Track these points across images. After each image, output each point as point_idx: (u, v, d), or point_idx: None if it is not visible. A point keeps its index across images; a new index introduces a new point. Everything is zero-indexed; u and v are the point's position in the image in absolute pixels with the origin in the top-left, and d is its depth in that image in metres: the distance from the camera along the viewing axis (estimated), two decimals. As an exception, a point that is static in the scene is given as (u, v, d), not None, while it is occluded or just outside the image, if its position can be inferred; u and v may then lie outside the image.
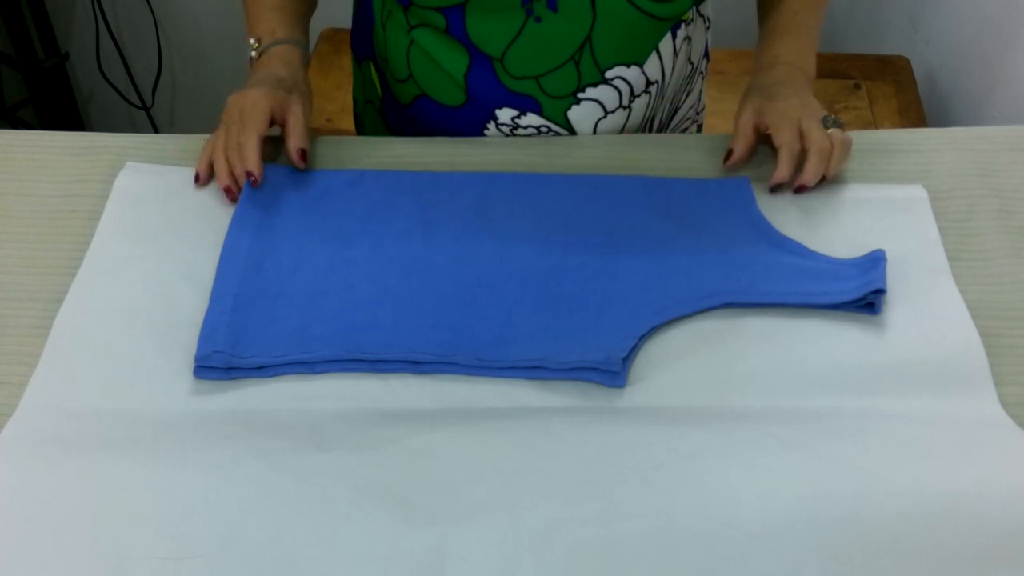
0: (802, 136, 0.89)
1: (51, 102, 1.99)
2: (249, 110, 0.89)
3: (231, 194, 0.90)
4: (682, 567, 0.65)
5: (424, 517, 0.67)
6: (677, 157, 0.96)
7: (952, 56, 1.56)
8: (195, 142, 0.97)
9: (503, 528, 0.67)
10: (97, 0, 1.92)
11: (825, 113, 0.90)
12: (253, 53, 0.95)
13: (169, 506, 0.68)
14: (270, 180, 0.92)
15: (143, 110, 2.11)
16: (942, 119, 1.57)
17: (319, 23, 1.56)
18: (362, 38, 1.07)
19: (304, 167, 0.92)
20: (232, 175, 0.90)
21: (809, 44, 0.97)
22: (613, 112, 0.98)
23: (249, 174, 0.88)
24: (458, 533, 0.67)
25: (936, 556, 0.65)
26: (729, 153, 0.93)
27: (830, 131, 0.90)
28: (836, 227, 0.89)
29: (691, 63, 1.05)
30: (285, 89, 0.92)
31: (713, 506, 0.68)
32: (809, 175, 0.89)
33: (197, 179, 0.91)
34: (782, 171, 0.89)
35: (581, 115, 0.97)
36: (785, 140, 0.89)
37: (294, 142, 0.91)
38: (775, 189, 0.90)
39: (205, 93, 2.15)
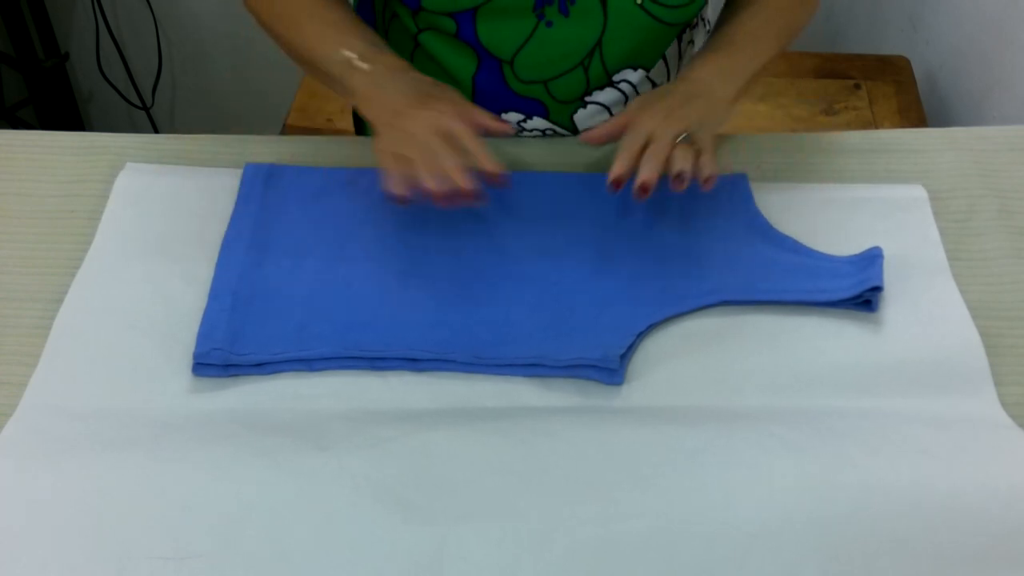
0: (648, 140, 0.83)
1: (51, 102, 1.99)
2: (456, 126, 0.80)
3: (448, 199, 0.78)
4: (682, 567, 0.65)
5: (423, 516, 0.67)
6: (677, 157, 0.96)
7: (952, 56, 1.56)
8: (195, 142, 0.97)
9: (502, 528, 0.67)
10: (97, 0, 1.91)
11: (686, 132, 0.83)
12: (358, 63, 0.84)
13: (169, 506, 0.68)
14: (270, 178, 0.92)
15: (143, 110, 2.11)
16: (942, 119, 1.57)
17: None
18: None
19: (512, 131, 0.85)
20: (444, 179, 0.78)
21: (732, 68, 0.89)
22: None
23: (497, 175, 0.78)
24: (457, 533, 0.67)
25: (936, 556, 0.65)
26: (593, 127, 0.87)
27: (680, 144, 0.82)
28: (836, 226, 0.89)
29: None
30: (445, 90, 0.85)
31: (713, 506, 0.68)
32: (644, 171, 0.80)
33: (402, 200, 0.79)
34: (615, 167, 0.81)
35: (587, 119, 0.97)
36: (626, 142, 0.82)
37: (488, 120, 0.83)
38: (613, 186, 0.81)
39: (205, 93, 2.15)
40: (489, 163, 0.78)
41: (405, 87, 0.83)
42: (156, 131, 2.13)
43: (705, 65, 0.89)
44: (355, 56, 0.84)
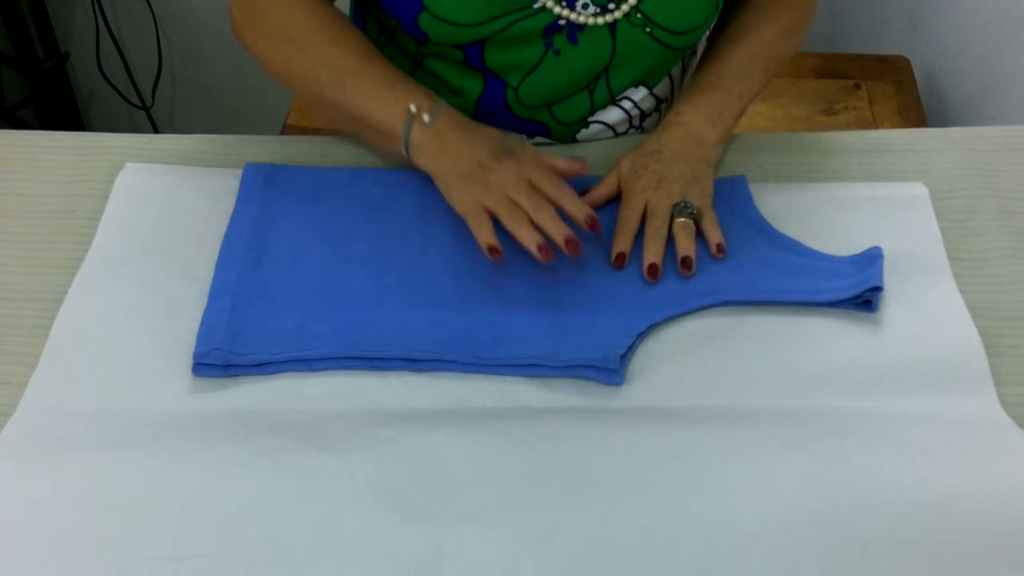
0: (645, 214, 0.85)
1: (51, 102, 1.99)
2: (543, 176, 0.81)
3: (548, 252, 0.79)
4: (682, 567, 0.65)
5: (423, 516, 0.67)
6: (677, 157, 0.96)
7: (952, 56, 1.56)
8: (195, 142, 0.97)
9: (502, 528, 0.67)
10: (97, 0, 1.91)
11: (681, 199, 0.85)
12: (425, 116, 0.83)
13: (169, 506, 0.68)
14: (270, 179, 0.92)
15: (143, 110, 2.11)
16: (942, 119, 1.57)
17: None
18: None
19: (586, 166, 0.85)
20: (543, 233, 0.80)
21: (721, 109, 0.91)
22: (624, 134, 0.98)
23: (593, 222, 0.80)
24: (457, 533, 0.67)
25: (936, 556, 0.65)
26: (588, 191, 0.89)
27: (678, 220, 0.84)
28: (836, 225, 0.89)
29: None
30: (520, 140, 0.85)
31: (713, 506, 0.68)
32: (650, 253, 0.83)
33: (496, 251, 0.79)
34: (617, 243, 0.84)
35: (589, 137, 0.98)
36: (624, 215, 0.85)
37: (563, 163, 0.84)
38: (616, 263, 0.84)
39: (205, 93, 2.15)
40: (579, 211, 0.80)
41: (476, 141, 0.83)
42: (156, 131, 2.13)
43: (695, 106, 0.91)
44: (418, 110, 0.83)
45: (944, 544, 0.66)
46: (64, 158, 0.95)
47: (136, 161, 0.94)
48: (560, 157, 0.84)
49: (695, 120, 0.90)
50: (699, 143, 0.90)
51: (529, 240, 0.78)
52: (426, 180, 0.93)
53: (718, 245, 0.84)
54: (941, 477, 0.69)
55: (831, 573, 0.65)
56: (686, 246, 0.84)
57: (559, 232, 0.78)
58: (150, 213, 0.90)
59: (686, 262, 0.83)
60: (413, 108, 0.83)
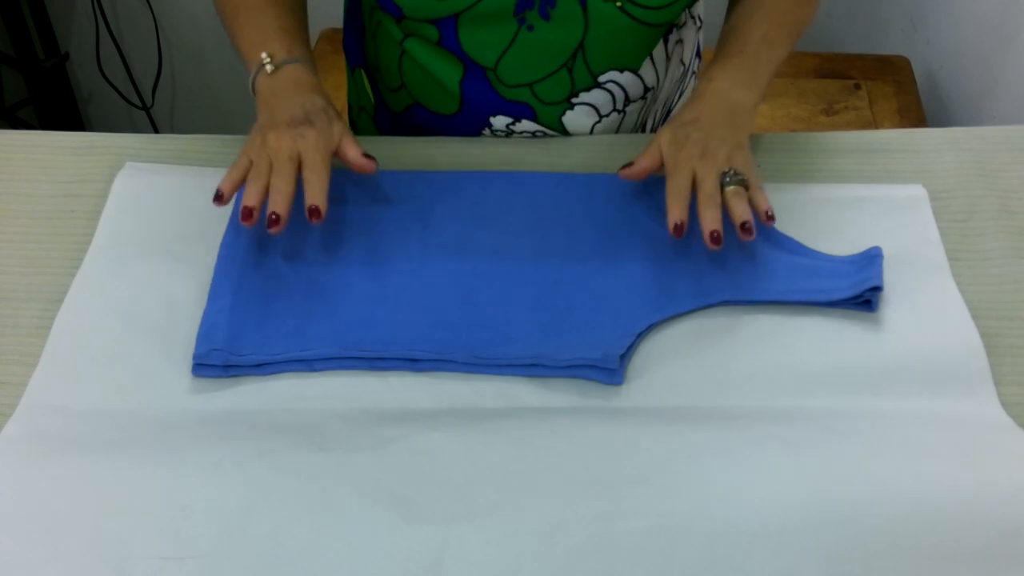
0: (694, 183, 0.84)
1: (51, 102, 1.99)
2: (310, 154, 0.82)
3: (251, 220, 0.80)
4: (682, 567, 0.65)
5: (424, 517, 0.67)
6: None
7: (952, 56, 1.56)
8: (195, 142, 0.97)
9: (503, 528, 0.67)
10: (97, 0, 1.91)
11: (728, 167, 0.85)
12: (268, 67, 0.88)
13: (169, 506, 0.68)
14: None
15: (143, 110, 2.11)
16: (942, 119, 1.57)
17: (319, 23, 1.56)
18: (354, 46, 1.06)
19: (375, 167, 0.87)
20: (261, 198, 0.81)
21: (752, 74, 0.91)
22: (608, 116, 0.98)
23: (315, 209, 0.80)
24: (458, 533, 0.67)
25: (936, 556, 0.65)
26: (630, 163, 0.87)
27: (728, 188, 0.83)
28: (836, 226, 0.89)
29: (683, 64, 1.05)
30: (328, 117, 0.86)
31: (713, 506, 0.68)
32: (709, 221, 0.82)
33: (220, 198, 0.81)
34: (673, 213, 0.83)
35: (575, 119, 0.97)
36: (674, 184, 0.84)
37: (355, 153, 0.86)
38: (675, 232, 0.82)
39: (205, 93, 2.15)
40: (315, 198, 0.80)
41: (293, 104, 0.86)
42: (156, 131, 2.13)
43: (725, 73, 0.91)
44: (268, 60, 0.88)
45: (944, 544, 0.66)
46: (64, 158, 0.95)
47: (136, 161, 0.94)
48: (356, 147, 0.86)
49: (729, 86, 0.90)
50: (736, 108, 0.89)
51: (247, 198, 0.80)
52: (425, 180, 0.93)
53: (767, 213, 0.84)
54: (941, 477, 0.69)
55: (831, 573, 0.65)
56: (742, 210, 0.82)
57: (273, 204, 0.80)
58: (150, 213, 0.90)
59: (745, 227, 0.82)
60: (265, 57, 0.88)
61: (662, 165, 0.86)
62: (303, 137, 0.83)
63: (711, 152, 0.85)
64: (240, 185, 0.82)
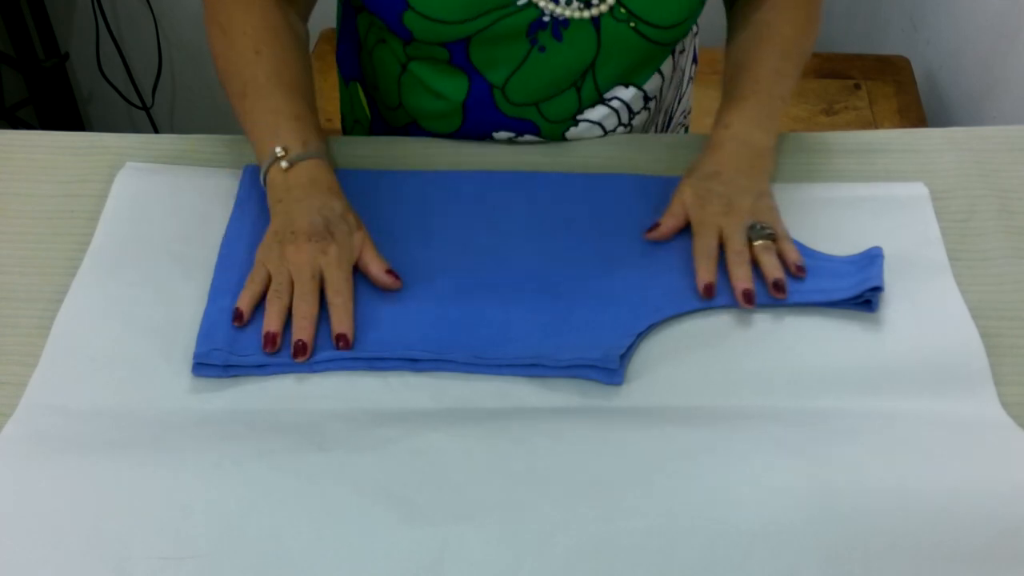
0: (722, 241, 0.85)
1: (51, 102, 1.99)
2: (333, 272, 0.80)
3: (274, 346, 0.78)
4: (682, 567, 0.65)
5: (424, 517, 0.67)
6: (675, 156, 0.96)
7: (952, 56, 1.56)
8: (195, 142, 0.97)
9: (503, 528, 0.67)
10: (97, 0, 1.92)
11: (754, 220, 0.85)
12: (283, 162, 0.85)
13: (169, 506, 0.68)
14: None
15: (143, 110, 2.11)
16: (942, 119, 1.57)
17: (319, 23, 1.56)
18: (348, 59, 1.05)
19: (400, 285, 0.83)
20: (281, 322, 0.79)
21: (768, 114, 0.91)
22: (613, 131, 0.98)
23: (343, 336, 0.78)
24: (458, 533, 0.67)
25: (936, 556, 0.65)
26: (656, 225, 0.87)
27: (756, 243, 0.84)
28: (836, 225, 0.89)
29: (681, 70, 1.05)
30: (349, 227, 0.83)
31: (713, 506, 0.68)
32: (740, 281, 0.82)
33: (239, 317, 0.79)
34: (701, 274, 0.83)
35: (579, 135, 0.97)
36: (701, 244, 0.84)
37: (377, 268, 0.83)
38: (705, 293, 0.82)
39: (205, 93, 2.15)
40: (342, 325, 0.79)
41: (311, 208, 0.83)
42: (156, 131, 2.13)
43: (740, 117, 0.90)
44: (283, 155, 0.85)
45: (944, 544, 0.66)
46: (64, 158, 0.95)
47: (136, 161, 0.94)
48: (380, 261, 0.83)
49: (746, 129, 0.90)
50: (756, 153, 0.89)
51: (269, 322, 0.78)
52: (425, 180, 0.93)
53: (797, 266, 0.83)
54: (941, 477, 0.69)
55: (831, 573, 0.65)
56: (773, 266, 0.82)
57: (299, 331, 0.78)
58: (150, 213, 0.90)
59: (778, 284, 0.82)
60: (279, 151, 0.85)
61: (687, 222, 0.87)
62: (324, 253, 0.80)
63: (735, 206, 0.85)
64: (259, 300, 0.80)
